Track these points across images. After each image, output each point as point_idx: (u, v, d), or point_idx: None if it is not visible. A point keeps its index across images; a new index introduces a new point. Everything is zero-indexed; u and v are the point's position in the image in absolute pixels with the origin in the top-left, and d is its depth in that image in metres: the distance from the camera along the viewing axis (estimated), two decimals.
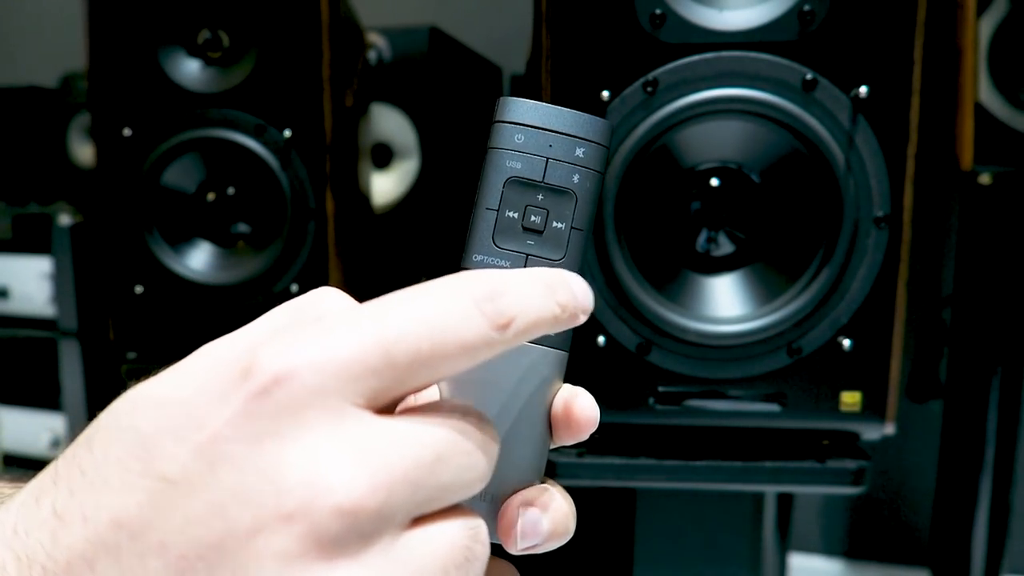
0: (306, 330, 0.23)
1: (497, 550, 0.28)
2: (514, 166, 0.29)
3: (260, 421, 0.21)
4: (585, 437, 0.29)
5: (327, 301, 0.26)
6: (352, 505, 0.21)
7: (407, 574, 0.22)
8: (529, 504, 0.28)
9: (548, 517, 0.28)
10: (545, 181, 0.29)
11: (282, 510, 0.20)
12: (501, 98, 0.29)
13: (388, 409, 0.23)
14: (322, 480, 0.21)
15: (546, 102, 0.30)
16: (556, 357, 0.29)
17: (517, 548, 0.27)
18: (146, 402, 0.23)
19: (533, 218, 0.29)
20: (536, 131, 0.29)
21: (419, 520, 0.23)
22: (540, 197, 0.29)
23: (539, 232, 0.29)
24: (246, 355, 0.22)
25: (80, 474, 0.22)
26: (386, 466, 0.21)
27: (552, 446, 0.29)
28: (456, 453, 0.23)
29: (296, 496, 0.20)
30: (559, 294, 0.25)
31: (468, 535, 0.23)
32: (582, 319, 0.26)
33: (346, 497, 0.21)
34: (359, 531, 0.21)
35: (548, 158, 0.29)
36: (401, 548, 0.22)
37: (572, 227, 0.29)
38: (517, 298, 0.24)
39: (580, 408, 0.29)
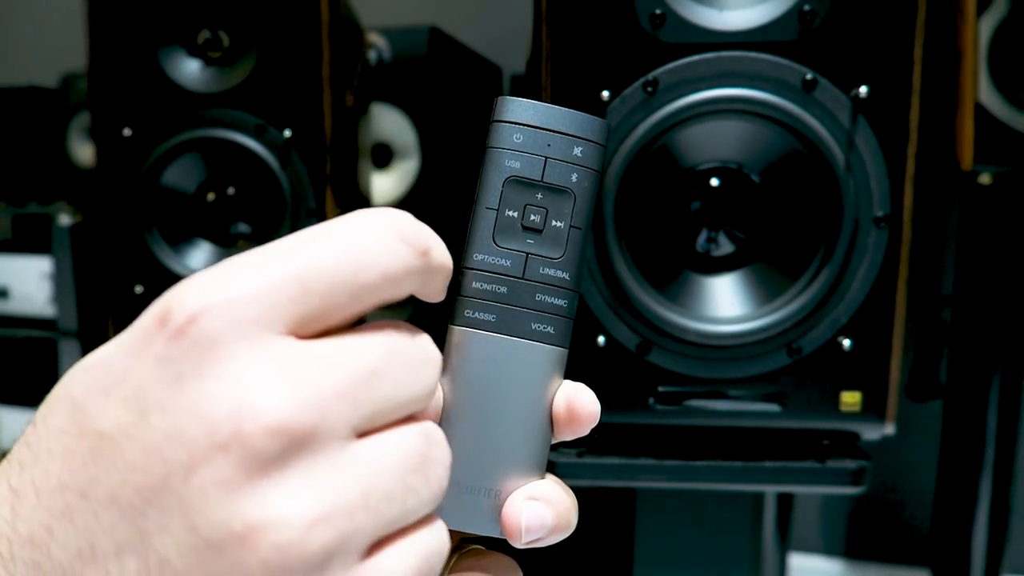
0: (221, 270, 0.23)
1: (499, 545, 0.29)
2: (513, 165, 0.29)
3: (180, 362, 0.21)
4: (586, 432, 0.29)
5: (237, 256, 0.26)
6: (282, 424, 0.21)
7: (359, 481, 0.22)
8: (533, 498, 0.28)
9: (552, 511, 0.28)
10: (544, 180, 0.29)
11: (214, 441, 0.21)
12: (499, 97, 0.30)
13: (318, 337, 0.23)
14: (248, 405, 0.21)
15: (545, 101, 0.30)
16: (556, 354, 0.29)
17: (521, 542, 0.28)
18: (77, 370, 0.23)
19: (532, 217, 0.29)
20: (534, 130, 0.29)
21: (367, 433, 0.23)
22: (539, 196, 0.29)
23: (538, 231, 0.29)
24: (161, 305, 0.22)
25: (27, 448, 0.23)
26: (314, 383, 0.22)
27: (553, 441, 0.30)
28: (392, 365, 0.23)
29: (225, 425, 0.21)
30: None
31: (421, 439, 0.24)
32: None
33: (276, 417, 0.21)
34: (298, 447, 0.21)
35: (547, 157, 0.29)
36: (349, 458, 0.22)
37: (571, 226, 0.30)
38: (434, 234, 0.25)
39: (581, 403, 0.29)
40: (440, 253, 0.25)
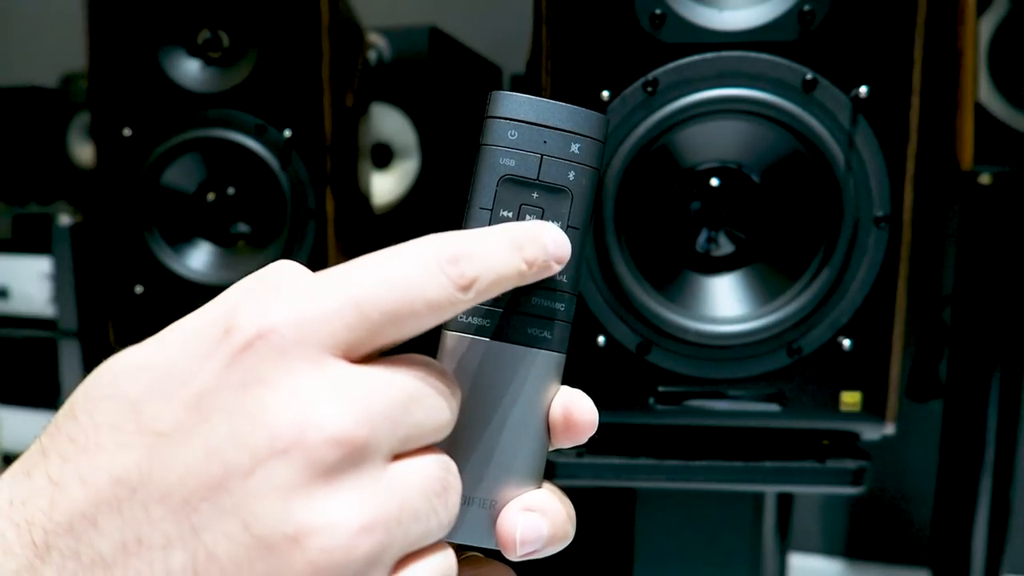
0: (282, 292, 0.24)
1: (496, 552, 0.28)
2: (508, 164, 0.28)
3: (245, 371, 0.22)
4: (584, 440, 0.29)
5: (287, 272, 0.26)
6: (343, 436, 0.22)
7: (397, 499, 0.23)
8: (528, 509, 0.28)
9: (548, 522, 0.27)
10: (540, 179, 0.28)
11: (276, 446, 0.22)
12: (493, 92, 0.29)
13: (363, 361, 0.25)
14: (311, 416, 0.22)
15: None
16: (553, 359, 0.28)
17: (517, 554, 0.27)
18: (129, 368, 0.24)
19: (528, 217, 0.28)
20: (530, 127, 0.28)
21: (399, 456, 0.24)
22: (535, 195, 0.28)
23: None
24: (226, 316, 0.24)
25: (70, 441, 0.23)
26: (367, 403, 0.23)
27: (550, 449, 0.29)
28: (425, 395, 0.25)
29: (288, 433, 0.22)
30: (526, 250, 0.26)
31: (442, 468, 0.25)
32: (556, 268, 0.27)
33: (336, 429, 0.22)
34: (351, 460, 0.22)
35: (543, 155, 0.28)
36: (389, 477, 0.23)
37: (569, 226, 0.28)
38: (480, 259, 0.25)
39: (579, 411, 0.28)
40: (487, 280, 0.25)
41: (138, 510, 0.21)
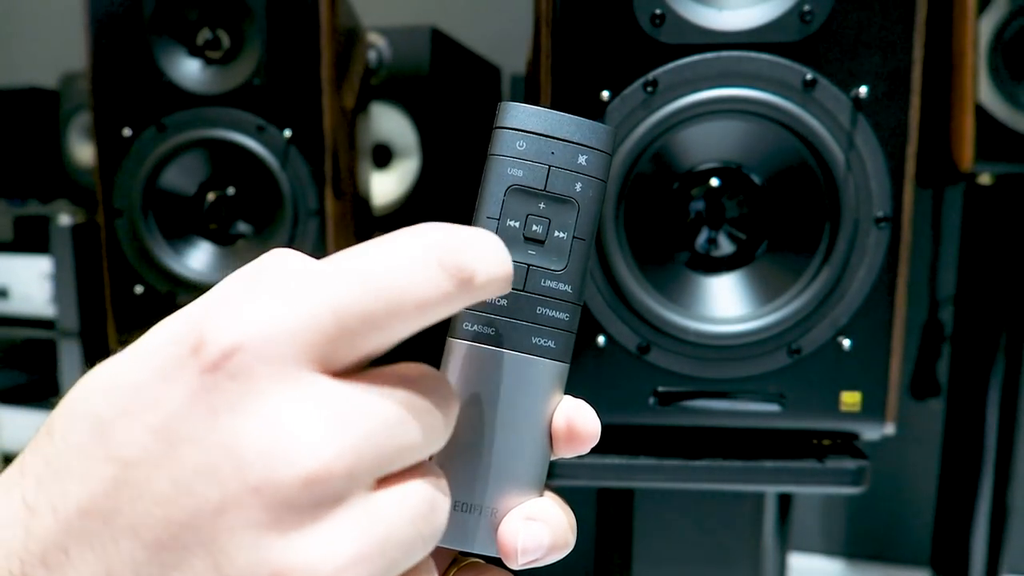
0: (255, 298, 0.22)
1: (496, 558, 0.28)
2: (515, 174, 0.28)
3: (214, 395, 0.21)
4: (586, 451, 0.28)
5: (275, 267, 0.24)
6: (317, 472, 0.20)
7: (379, 532, 0.21)
8: (530, 518, 0.27)
9: (549, 531, 0.27)
10: (547, 190, 0.28)
11: (248, 483, 0.20)
12: (502, 103, 0.29)
13: (346, 372, 0.23)
14: (284, 450, 0.20)
15: (547, 107, 0.29)
16: (556, 369, 0.28)
17: (518, 563, 0.27)
18: (100, 385, 0.22)
19: (535, 227, 0.28)
20: (538, 138, 0.28)
21: (385, 480, 0.22)
22: (542, 206, 0.28)
23: (541, 242, 0.28)
24: (195, 329, 0.22)
25: (44, 464, 0.22)
26: (349, 430, 0.21)
27: (552, 458, 0.29)
28: (416, 413, 0.23)
29: (259, 468, 0.20)
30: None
31: (431, 486, 0.23)
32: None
33: (311, 465, 0.20)
34: (328, 496, 0.21)
35: (550, 166, 0.28)
36: (372, 508, 0.22)
37: (575, 236, 0.28)
38: (479, 252, 0.23)
39: (582, 421, 0.28)
40: (486, 274, 0.23)
41: (108, 543, 0.21)
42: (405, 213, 1.19)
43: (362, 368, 0.23)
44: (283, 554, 0.20)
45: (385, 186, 1.19)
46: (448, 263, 0.22)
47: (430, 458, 0.26)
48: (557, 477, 0.69)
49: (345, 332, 0.22)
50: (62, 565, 0.21)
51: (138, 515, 0.20)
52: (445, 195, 1.21)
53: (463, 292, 0.23)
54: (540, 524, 0.27)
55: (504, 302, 0.28)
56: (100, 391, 0.22)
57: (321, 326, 0.21)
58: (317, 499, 0.20)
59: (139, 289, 0.88)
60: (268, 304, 0.22)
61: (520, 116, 0.28)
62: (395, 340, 0.23)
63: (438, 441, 0.24)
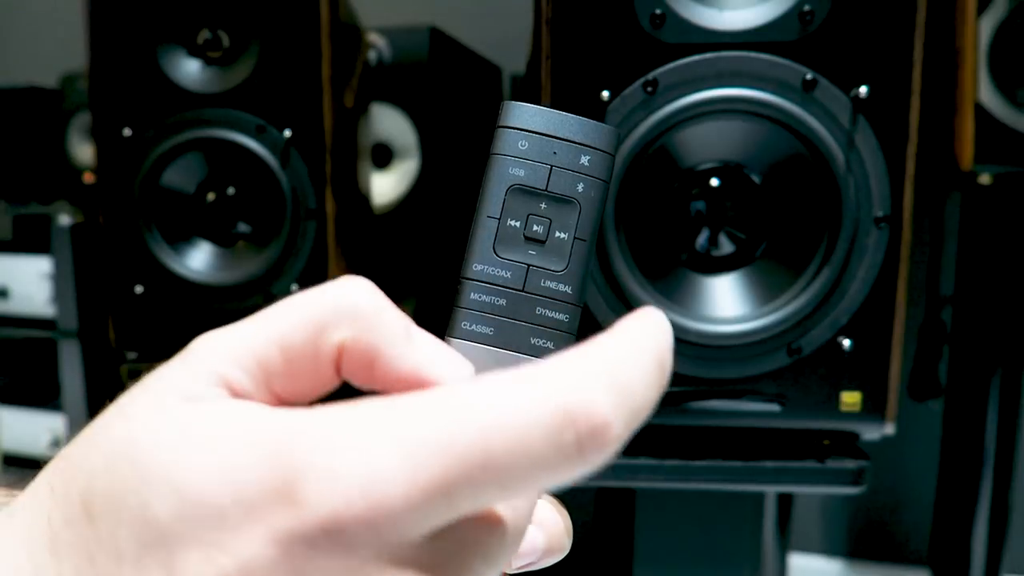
0: (357, 441, 0.18)
1: None
2: (517, 173, 0.28)
3: (299, 560, 0.18)
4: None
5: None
6: None
7: None
8: None
9: (544, 534, 0.27)
10: (549, 190, 0.28)
11: None
12: (505, 102, 0.29)
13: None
14: None
15: (549, 106, 0.29)
16: None
17: (512, 567, 0.27)
18: (162, 474, 0.19)
19: (535, 227, 0.28)
20: (540, 137, 0.28)
21: None
22: (543, 206, 0.28)
23: (541, 242, 0.28)
24: (287, 464, 0.18)
25: (88, 561, 0.19)
26: None
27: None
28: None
29: None
30: (667, 365, 0.20)
31: None
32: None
33: None
34: None
35: (552, 166, 0.28)
36: None
37: (576, 237, 0.28)
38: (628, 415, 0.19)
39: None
40: (611, 444, 0.18)
41: None
42: (405, 213, 1.19)
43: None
44: None
45: (385, 186, 1.19)
46: (586, 441, 0.18)
47: None
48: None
49: (447, 514, 0.18)
50: None
51: None
52: (445, 195, 1.21)
53: (586, 464, 0.19)
54: (535, 528, 0.27)
55: (503, 302, 0.28)
56: (159, 484, 0.18)
57: (431, 500, 0.18)
58: None
59: (139, 289, 0.88)
60: (378, 464, 0.18)
61: (523, 115, 0.28)
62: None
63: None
